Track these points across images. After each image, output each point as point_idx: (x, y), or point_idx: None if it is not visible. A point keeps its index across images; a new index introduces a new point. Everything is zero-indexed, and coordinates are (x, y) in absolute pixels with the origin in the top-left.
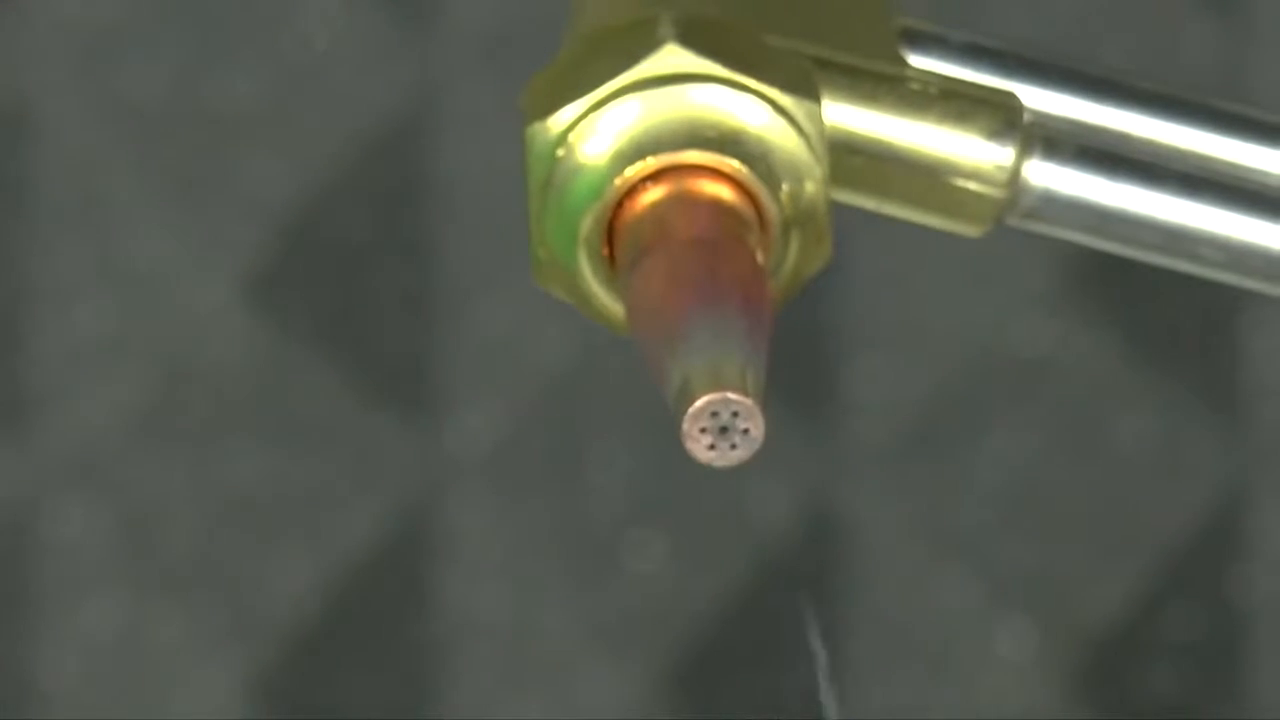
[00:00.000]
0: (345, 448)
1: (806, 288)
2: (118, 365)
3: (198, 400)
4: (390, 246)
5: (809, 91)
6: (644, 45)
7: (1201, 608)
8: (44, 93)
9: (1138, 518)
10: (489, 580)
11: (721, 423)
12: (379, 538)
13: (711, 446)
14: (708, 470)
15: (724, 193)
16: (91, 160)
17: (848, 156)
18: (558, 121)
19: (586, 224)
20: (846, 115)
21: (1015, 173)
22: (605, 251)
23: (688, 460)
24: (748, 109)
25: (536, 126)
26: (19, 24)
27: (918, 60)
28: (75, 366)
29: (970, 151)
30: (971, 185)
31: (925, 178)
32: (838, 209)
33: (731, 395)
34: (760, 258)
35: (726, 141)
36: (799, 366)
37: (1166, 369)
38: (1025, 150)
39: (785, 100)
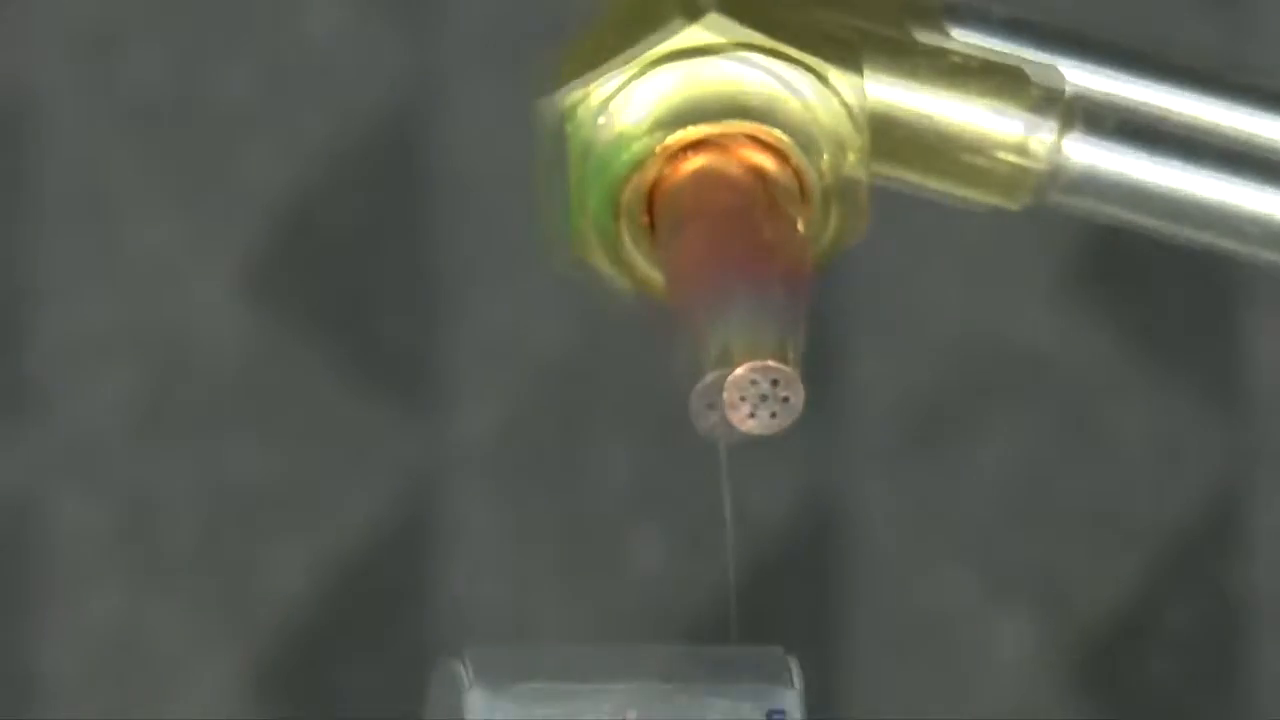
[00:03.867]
0: (345, 440)
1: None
2: (118, 358)
3: (197, 393)
4: (389, 239)
5: (851, 62)
6: (686, 14)
7: (1201, 602)
8: (45, 88)
9: (1137, 512)
10: (488, 573)
11: (761, 391)
12: (378, 530)
13: (751, 415)
14: (709, 463)
15: (765, 162)
16: (92, 154)
17: (888, 129)
18: (599, 90)
19: (627, 192)
20: (888, 88)
21: (1056, 147)
22: (645, 220)
23: (688, 453)
24: (790, 79)
25: (578, 95)
26: (21, 19)
27: (960, 34)
28: (75, 360)
29: (1011, 126)
30: (1012, 159)
31: (966, 152)
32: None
33: (772, 363)
34: (800, 227)
35: (767, 110)
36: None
37: (1167, 364)
38: (1066, 125)
39: (828, 70)
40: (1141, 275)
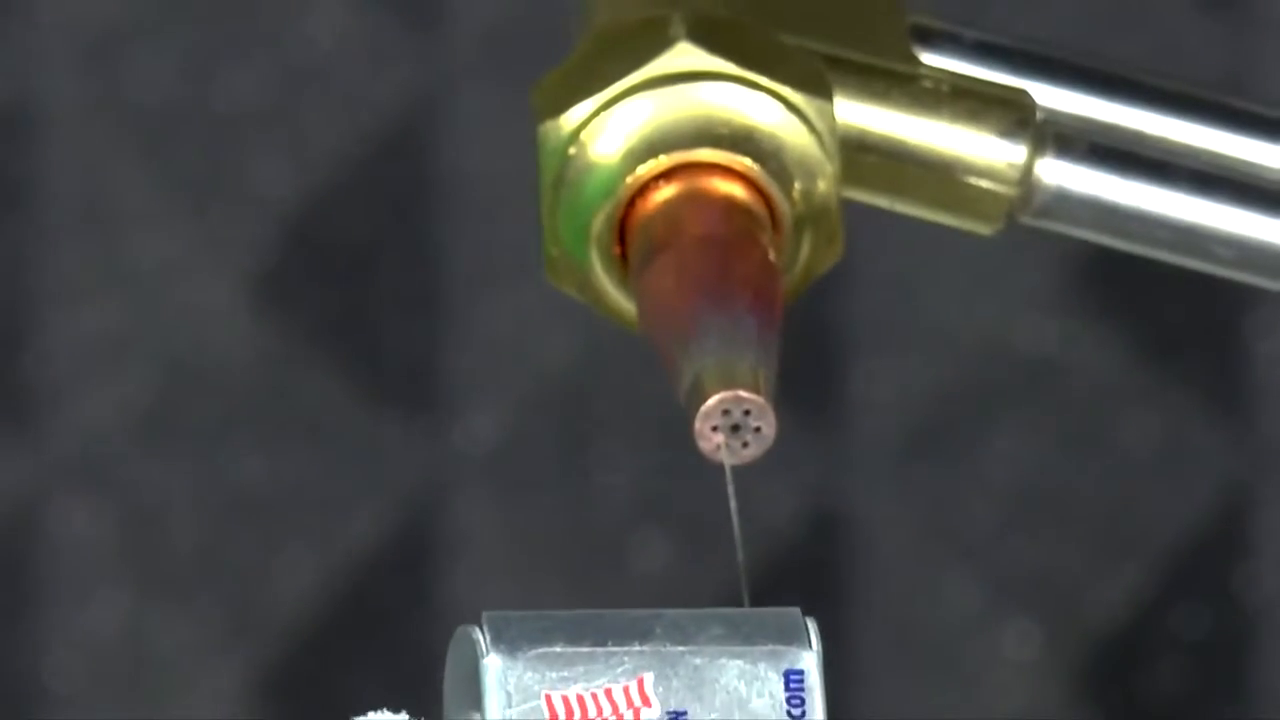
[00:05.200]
0: (350, 447)
1: (812, 288)
2: (123, 364)
3: (203, 399)
4: (395, 246)
5: (821, 89)
6: (656, 43)
7: (1207, 607)
8: (49, 92)
9: (1143, 517)
10: (493, 579)
11: (733, 421)
12: (384, 537)
13: (723, 445)
14: (712, 470)
15: (736, 191)
16: (97, 160)
17: (860, 154)
18: (570, 120)
19: (598, 222)
20: (859, 113)
21: (1027, 170)
22: (617, 250)
23: (692, 460)
24: (760, 107)
25: (549, 124)
26: (24, 23)
27: (930, 58)
28: (80, 365)
29: (982, 149)
30: (984, 183)
31: (937, 176)
32: (845, 209)
33: (743, 394)
34: (772, 256)
35: (738, 139)
36: (804, 367)
37: (1172, 369)
38: (1037, 148)
39: (797, 98)
40: (1145, 280)
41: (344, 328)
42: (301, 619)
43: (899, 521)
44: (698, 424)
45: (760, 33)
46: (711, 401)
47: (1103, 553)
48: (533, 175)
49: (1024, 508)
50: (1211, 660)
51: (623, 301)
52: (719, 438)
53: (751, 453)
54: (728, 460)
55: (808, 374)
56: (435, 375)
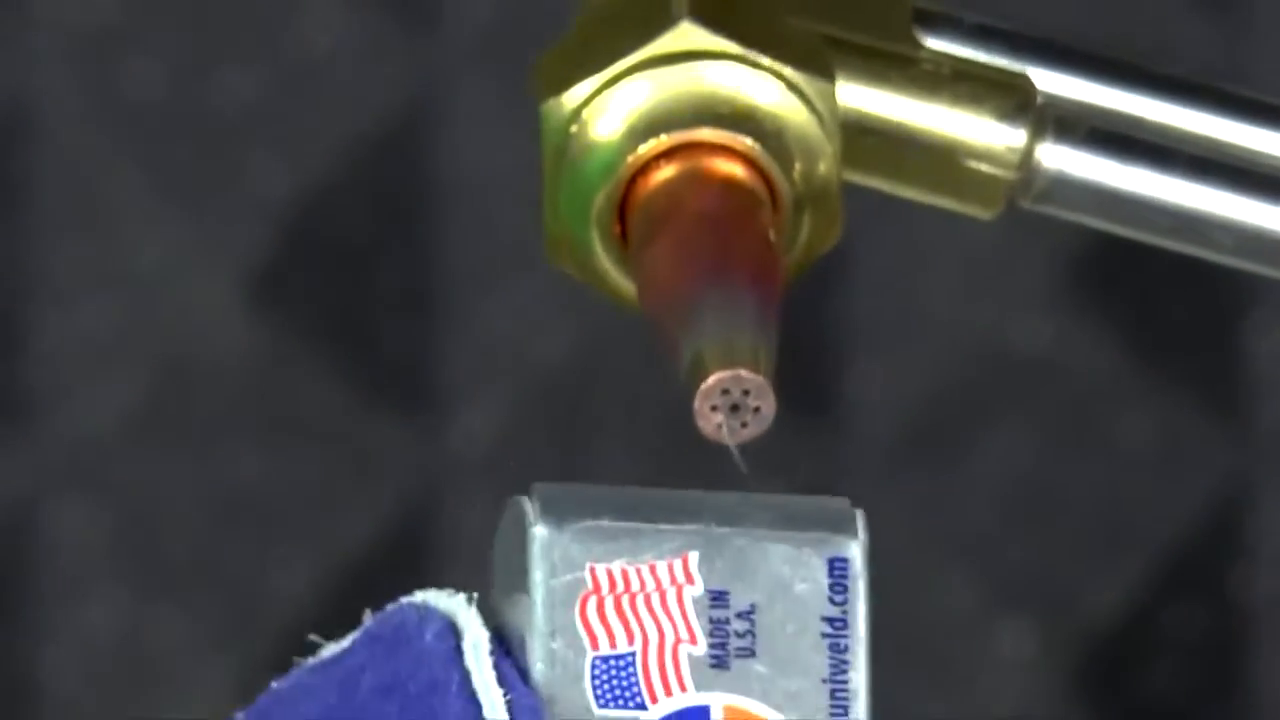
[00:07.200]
0: (346, 447)
1: (810, 287)
2: (119, 365)
3: (198, 400)
4: (391, 245)
5: (822, 70)
6: (658, 22)
7: (1202, 607)
8: (45, 93)
9: (1139, 517)
10: (490, 580)
11: (733, 400)
12: (379, 537)
13: (723, 424)
14: (708, 470)
15: (736, 170)
16: (92, 160)
17: (860, 136)
18: (571, 98)
19: (599, 201)
20: (859, 95)
21: (1027, 155)
22: (617, 229)
23: (688, 460)
24: (761, 87)
25: (550, 103)
26: (20, 24)
27: (931, 41)
28: (76, 366)
29: (982, 133)
30: (983, 167)
31: (937, 159)
32: (844, 203)
33: (743, 373)
34: (772, 236)
35: (739, 119)
36: (800, 366)
37: (1168, 368)
38: (1037, 132)
39: (798, 78)
40: (1141, 279)
41: (340, 327)
42: (297, 619)
43: (895, 521)
44: (697, 403)
45: (762, 13)
46: (711, 380)
47: (1099, 552)
48: (530, 175)
49: (1020, 507)
50: (1207, 660)
51: (622, 281)
52: (719, 417)
53: (751, 432)
54: (729, 440)
55: (804, 374)
56: (431, 375)
